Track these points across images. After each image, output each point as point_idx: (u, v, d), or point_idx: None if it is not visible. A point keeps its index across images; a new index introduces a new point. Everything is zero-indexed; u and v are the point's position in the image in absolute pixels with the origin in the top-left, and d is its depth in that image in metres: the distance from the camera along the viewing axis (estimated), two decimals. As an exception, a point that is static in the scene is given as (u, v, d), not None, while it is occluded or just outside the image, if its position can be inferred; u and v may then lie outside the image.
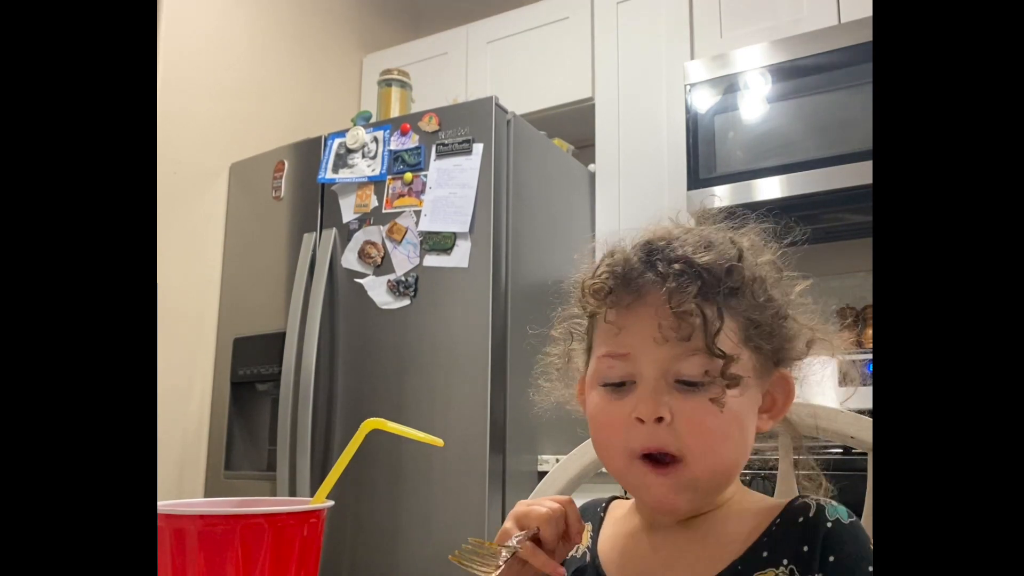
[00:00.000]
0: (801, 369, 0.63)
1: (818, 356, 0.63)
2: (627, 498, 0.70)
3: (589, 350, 0.63)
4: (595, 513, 0.69)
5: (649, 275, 0.57)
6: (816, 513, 0.56)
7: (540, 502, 0.61)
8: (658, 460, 0.56)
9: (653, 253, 0.58)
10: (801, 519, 0.56)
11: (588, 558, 0.64)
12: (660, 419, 0.55)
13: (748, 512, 0.60)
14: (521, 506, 0.62)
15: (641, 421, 0.55)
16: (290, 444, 1.96)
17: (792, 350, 0.61)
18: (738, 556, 0.57)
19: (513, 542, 0.58)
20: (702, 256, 0.57)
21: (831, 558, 0.54)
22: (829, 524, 0.55)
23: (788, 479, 0.78)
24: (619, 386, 0.58)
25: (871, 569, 0.53)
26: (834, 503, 0.57)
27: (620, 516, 0.67)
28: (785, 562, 0.55)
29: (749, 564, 0.56)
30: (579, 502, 0.66)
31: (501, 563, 0.56)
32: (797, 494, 0.75)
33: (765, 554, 0.56)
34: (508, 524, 0.60)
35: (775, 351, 0.60)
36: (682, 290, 0.55)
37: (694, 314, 0.55)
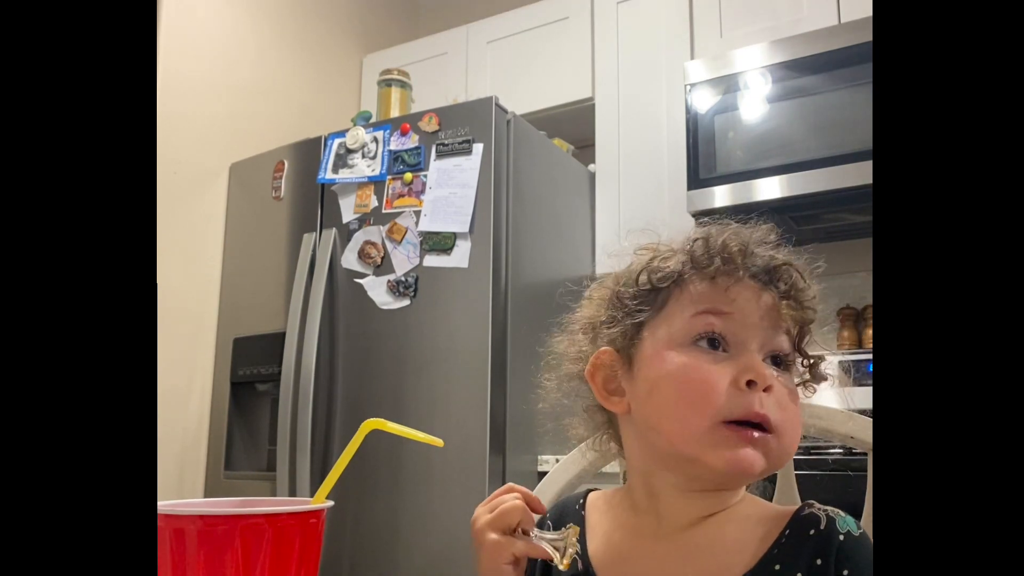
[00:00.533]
0: None
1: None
2: (598, 489, 0.68)
3: (640, 326, 0.60)
4: (575, 512, 0.66)
5: (760, 258, 0.59)
6: (827, 526, 0.56)
7: (501, 501, 0.61)
8: (759, 428, 0.55)
9: (758, 243, 0.60)
10: (812, 531, 0.56)
11: (580, 566, 0.61)
12: (769, 388, 0.55)
13: (752, 519, 0.59)
14: (485, 512, 0.61)
15: (750, 385, 0.54)
16: (290, 444, 1.96)
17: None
18: (749, 568, 0.56)
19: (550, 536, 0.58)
20: (798, 269, 0.60)
21: (845, 572, 0.54)
22: (842, 537, 0.55)
23: (788, 480, 0.78)
24: (713, 345, 0.57)
25: None
26: (842, 513, 0.57)
27: (606, 513, 0.65)
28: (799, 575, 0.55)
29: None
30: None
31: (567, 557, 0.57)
32: (798, 498, 0.75)
33: (777, 567, 0.55)
34: (500, 537, 0.59)
35: (817, 379, 0.62)
36: (799, 280, 0.58)
37: (805, 307, 0.58)
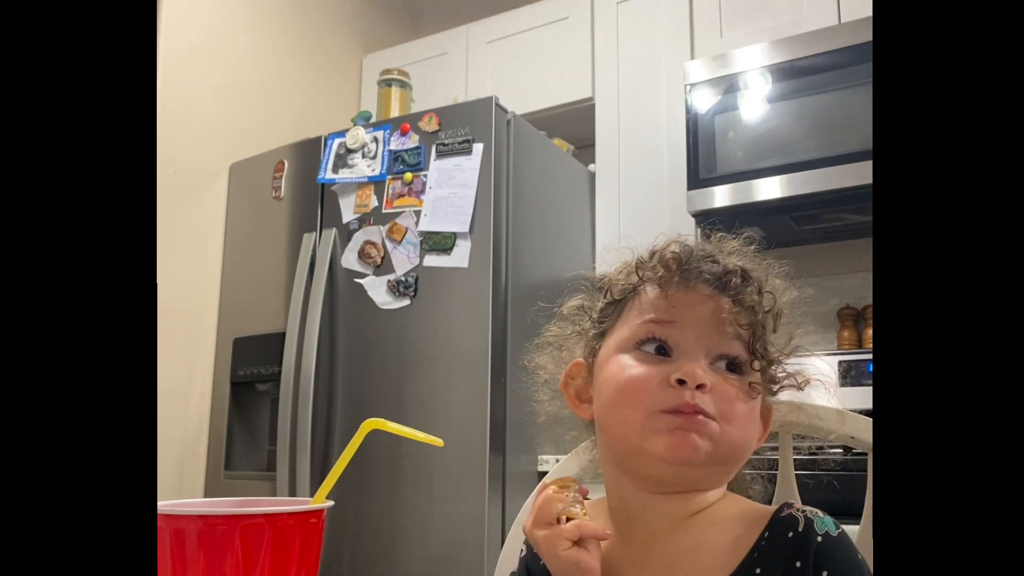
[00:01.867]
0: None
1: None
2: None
3: (602, 335, 0.64)
4: None
5: (711, 265, 0.60)
6: (805, 528, 0.56)
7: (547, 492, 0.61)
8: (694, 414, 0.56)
9: (710, 253, 0.61)
10: (791, 533, 0.56)
11: None
12: (701, 386, 0.56)
13: (731, 519, 0.59)
14: (528, 518, 0.61)
15: (680, 384, 0.56)
16: (290, 444, 1.96)
17: (783, 375, 0.63)
18: (730, 572, 0.56)
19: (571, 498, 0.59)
20: (749, 268, 0.61)
21: (824, 573, 0.54)
22: (819, 538, 0.55)
23: (788, 480, 0.78)
24: (656, 352, 0.59)
25: None
26: (820, 513, 0.57)
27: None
28: None
29: None
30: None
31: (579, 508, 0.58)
32: (798, 498, 0.75)
33: (758, 571, 0.55)
34: (548, 532, 0.59)
35: (773, 381, 0.62)
36: (748, 285, 0.59)
37: (753, 311, 0.58)
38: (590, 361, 0.64)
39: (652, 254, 0.63)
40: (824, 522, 0.56)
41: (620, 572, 0.60)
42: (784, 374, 0.63)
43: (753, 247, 0.64)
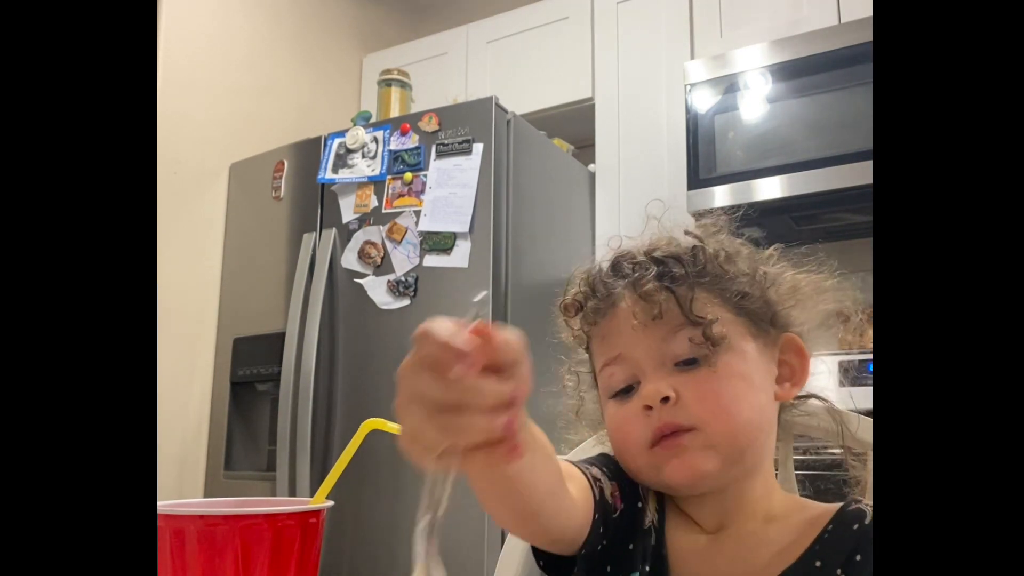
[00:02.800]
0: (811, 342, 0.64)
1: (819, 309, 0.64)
2: None
3: (595, 380, 0.64)
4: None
5: (616, 280, 0.60)
6: (872, 521, 0.54)
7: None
8: (672, 435, 0.56)
9: (618, 261, 0.62)
10: (856, 526, 0.55)
11: (653, 537, 0.58)
12: (665, 399, 0.55)
13: (794, 516, 0.58)
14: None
15: (649, 408, 0.56)
16: (290, 444, 1.96)
17: (786, 310, 0.62)
18: (789, 565, 0.55)
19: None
20: (663, 248, 0.61)
21: (858, 557, 0.53)
22: (868, 522, 0.54)
23: (788, 480, 0.78)
24: (626, 392, 0.59)
25: None
26: None
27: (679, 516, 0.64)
28: (839, 572, 0.53)
29: (801, 574, 0.54)
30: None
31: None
32: (793, 493, 0.75)
33: (818, 564, 0.54)
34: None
35: (768, 313, 0.61)
36: (644, 275, 0.58)
37: (659, 291, 0.57)
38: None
39: (567, 291, 0.63)
40: None
41: (687, 563, 0.59)
42: (763, 306, 0.61)
43: (723, 218, 0.64)
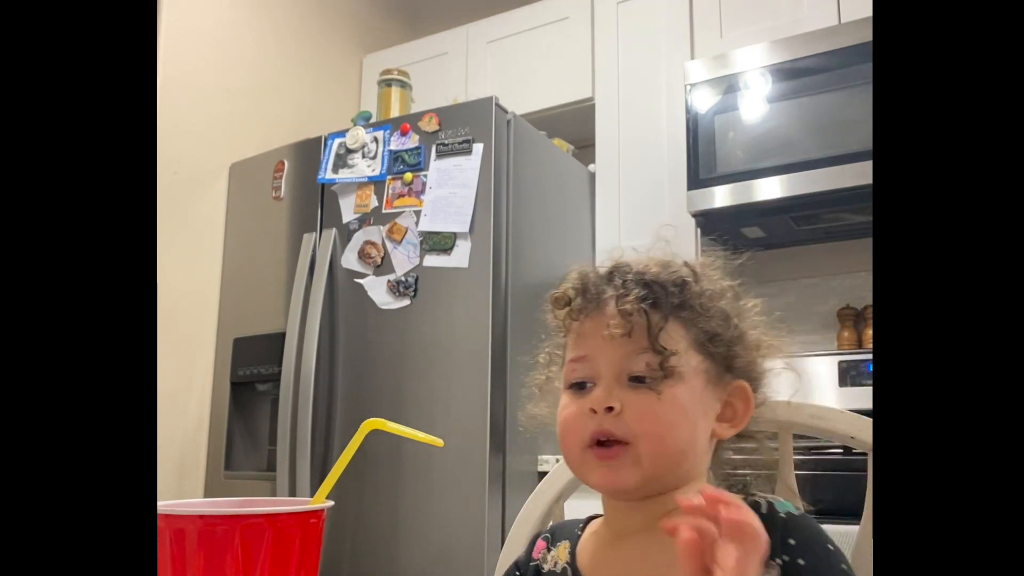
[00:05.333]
0: (769, 386, 0.68)
1: (772, 366, 0.68)
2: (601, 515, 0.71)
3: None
4: (572, 532, 0.70)
5: (607, 288, 0.64)
6: (768, 509, 0.59)
7: None
8: (606, 445, 0.61)
9: (613, 272, 0.65)
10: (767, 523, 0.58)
11: (569, 573, 0.66)
12: (610, 409, 0.60)
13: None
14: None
15: (594, 412, 0.61)
16: (290, 444, 1.96)
17: (746, 361, 0.66)
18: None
19: None
20: (655, 272, 0.64)
21: (791, 540, 0.57)
22: (783, 515, 0.59)
23: (788, 480, 0.78)
24: (582, 387, 0.63)
25: (831, 547, 0.57)
26: (780, 499, 0.60)
27: (595, 530, 0.69)
28: (778, 561, 0.56)
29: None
30: (568, 515, 0.68)
31: None
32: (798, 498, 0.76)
33: None
34: None
35: (727, 358, 0.64)
36: (628, 293, 0.62)
37: (636, 313, 0.61)
38: None
39: (562, 285, 0.67)
40: (784, 504, 0.60)
41: (601, 566, 0.64)
42: (726, 350, 0.64)
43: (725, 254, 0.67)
